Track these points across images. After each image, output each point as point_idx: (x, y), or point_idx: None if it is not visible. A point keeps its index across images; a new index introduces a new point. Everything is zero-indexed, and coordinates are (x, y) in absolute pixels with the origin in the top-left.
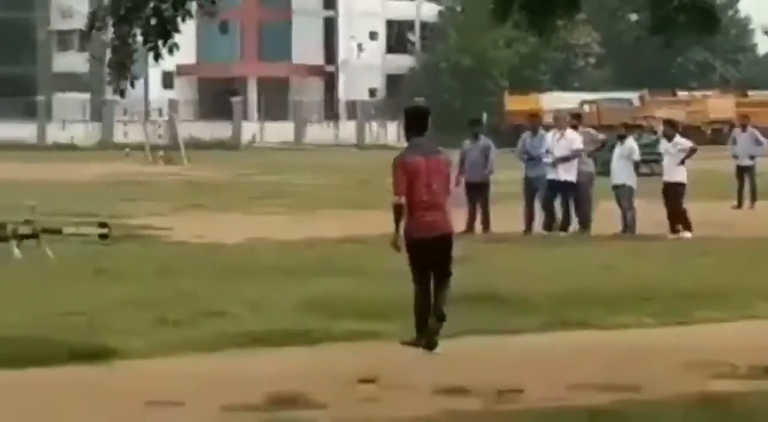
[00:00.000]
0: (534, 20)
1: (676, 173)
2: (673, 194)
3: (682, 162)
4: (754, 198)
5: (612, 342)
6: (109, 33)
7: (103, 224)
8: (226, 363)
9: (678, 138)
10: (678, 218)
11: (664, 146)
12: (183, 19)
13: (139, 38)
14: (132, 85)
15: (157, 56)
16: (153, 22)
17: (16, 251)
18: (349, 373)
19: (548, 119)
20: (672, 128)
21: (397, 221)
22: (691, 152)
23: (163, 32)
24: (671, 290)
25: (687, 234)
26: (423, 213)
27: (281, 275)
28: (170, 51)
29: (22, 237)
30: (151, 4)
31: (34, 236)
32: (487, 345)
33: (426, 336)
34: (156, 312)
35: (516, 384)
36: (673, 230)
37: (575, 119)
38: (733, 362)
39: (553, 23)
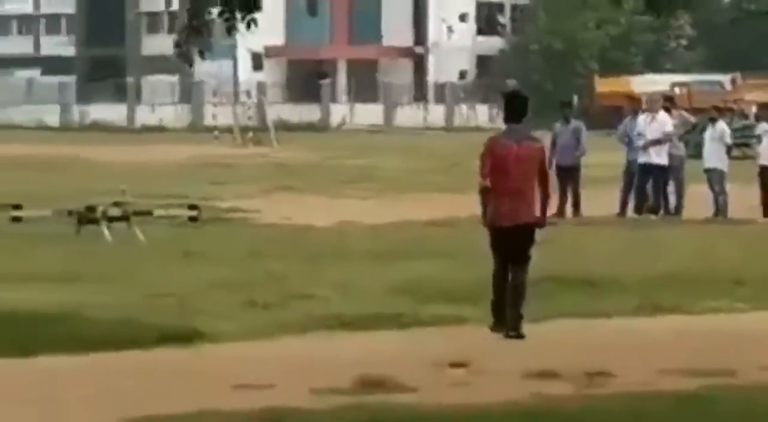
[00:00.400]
0: (652, 2)
1: None
2: None
3: None
4: None
5: (703, 327)
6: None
7: (193, 207)
8: (315, 346)
9: None
10: None
11: (762, 128)
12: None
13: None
14: (202, 56)
15: (230, 30)
16: None
17: (107, 233)
18: (439, 357)
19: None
20: None
21: (484, 204)
22: None
23: (245, 4)
24: (763, 275)
25: None
26: (505, 200)
27: (370, 259)
28: (248, 26)
29: (112, 219)
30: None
31: (124, 218)
32: (577, 328)
33: (511, 327)
34: (245, 295)
35: (606, 368)
36: (767, 215)
37: (668, 102)
38: None
39: (671, 4)
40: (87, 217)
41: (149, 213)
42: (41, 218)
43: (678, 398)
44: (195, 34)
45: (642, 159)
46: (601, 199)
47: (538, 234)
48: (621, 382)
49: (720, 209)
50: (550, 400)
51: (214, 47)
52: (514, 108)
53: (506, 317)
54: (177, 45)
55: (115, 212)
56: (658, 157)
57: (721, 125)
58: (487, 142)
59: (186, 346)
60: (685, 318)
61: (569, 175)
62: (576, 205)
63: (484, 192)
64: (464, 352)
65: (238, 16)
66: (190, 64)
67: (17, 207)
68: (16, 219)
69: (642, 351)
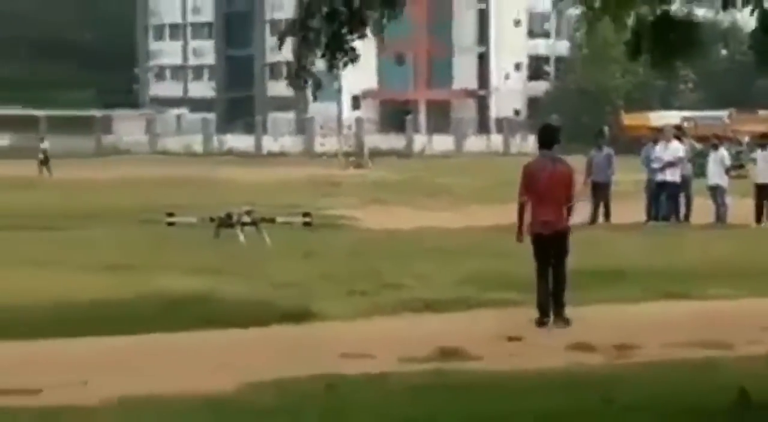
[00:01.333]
0: (657, 61)
1: None
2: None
3: None
4: None
5: (708, 310)
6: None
7: (306, 214)
8: (402, 325)
9: None
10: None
11: (760, 154)
12: (356, 38)
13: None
14: (314, 97)
15: (331, 67)
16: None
17: (241, 236)
18: (499, 333)
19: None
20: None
21: (519, 217)
22: None
23: (339, 47)
24: (756, 268)
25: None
26: (542, 212)
27: (444, 256)
28: (345, 65)
29: (245, 225)
30: (333, 27)
31: (254, 223)
32: (608, 311)
33: (557, 316)
34: (348, 284)
35: (631, 342)
36: (759, 221)
37: (679, 132)
38: None
39: (672, 62)
40: (225, 223)
41: (273, 220)
42: (189, 223)
43: (687, 365)
44: (302, 71)
45: (659, 177)
46: (626, 209)
47: (572, 237)
48: (643, 353)
49: (720, 217)
50: (586, 367)
51: (323, 91)
52: (547, 136)
53: (549, 313)
54: (288, 76)
55: (246, 219)
56: (672, 176)
57: (722, 151)
58: (525, 166)
59: (302, 324)
60: (694, 302)
61: (602, 190)
62: (607, 214)
63: (520, 207)
64: (519, 329)
65: (338, 57)
66: (301, 89)
67: (171, 214)
68: (170, 224)
69: (660, 329)
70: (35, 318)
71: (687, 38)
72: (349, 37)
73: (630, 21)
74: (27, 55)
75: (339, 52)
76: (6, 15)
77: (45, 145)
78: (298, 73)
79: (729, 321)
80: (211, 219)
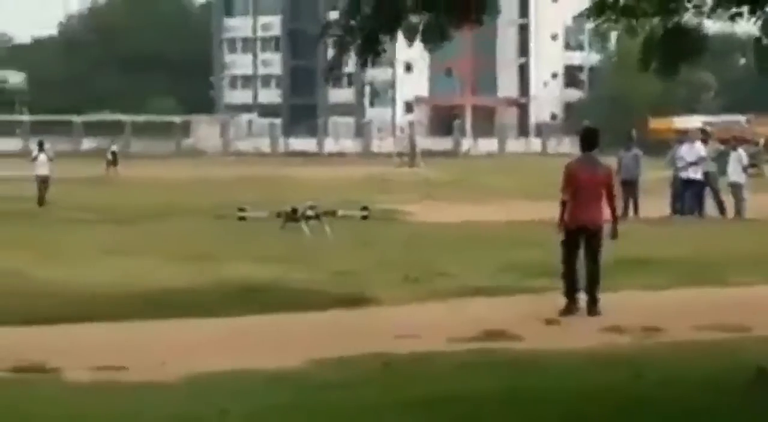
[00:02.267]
0: (665, 69)
1: None
2: None
3: None
4: None
5: (730, 296)
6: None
7: (364, 208)
8: (451, 308)
9: None
10: None
11: None
12: (390, 39)
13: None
14: (370, 103)
15: (364, 63)
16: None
17: (306, 229)
18: (539, 316)
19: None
20: None
21: (561, 213)
22: None
23: (372, 48)
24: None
25: None
26: (582, 208)
27: (488, 246)
28: (372, 63)
29: (308, 218)
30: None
31: (317, 217)
32: (637, 296)
33: (591, 308)
34: (402, 272)
35: (658, 325)
36: None
37: (704, 135)
38: None
39: (677, 68)
40: (290, 216)
41: (334, 213)
42: (259, 217)
43: (709, 346)
44: (337, 69)
45: (683, 175)
46: (653, 204)
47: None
48: (668, 335)
49: (740, 211)
50: (617, 347)
51: (379, 97)
52: (588, 140)
53: (576, 301)
54: (328, 69)
55: (310, 213)
56: (695, 174)
57: (740, 151)
58: (566, 167)
59: (359, 308)
60: (716, 289)
61: (631, 187)
62: (636, 209)
63: (563, 204)
64: (556, 313)
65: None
66: (337, 81)
67: (242, 210)
68: (242, 218)
69: (685, 313)
70: (122, 303)
71: (695, 47)
72: (381, 37)
73: (642, 34)
74: (118, 68)
75: (370, 53)
76: (100, 32)
77: (114, 147)
78: (332, 70)
79: (748, 306)
80: (278, 214)
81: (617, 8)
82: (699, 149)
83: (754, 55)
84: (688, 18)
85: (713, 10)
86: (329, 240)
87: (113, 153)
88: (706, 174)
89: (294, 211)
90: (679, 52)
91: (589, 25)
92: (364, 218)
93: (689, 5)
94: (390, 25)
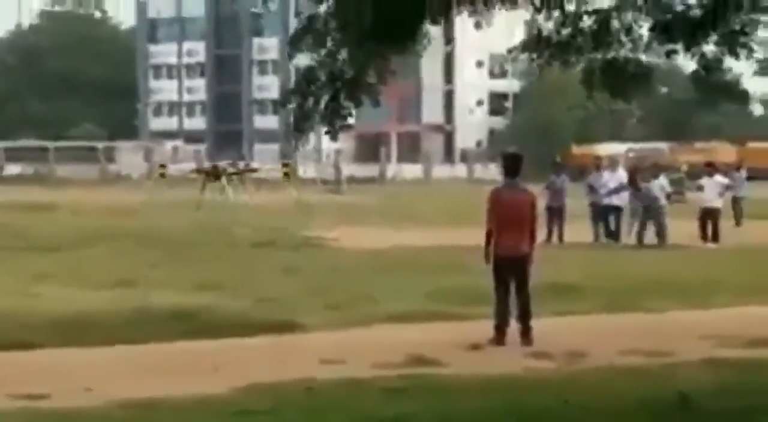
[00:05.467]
0: (612, 92)
1: (716, 201)
2: (713, 216)
3: (721, 194)
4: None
5: (652, 321)
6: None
7: (285, 165)
8: (375, 334)
9: (717, 176)
10: (716, 233)
11: (705, 181)
12: (356, 107)
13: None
14: (296, 147)
15: (330, 132)
16: (329, 107)
17: (228, 188)
18: (463, 342)
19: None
20: (712, 168)
21: (487, 242)
22: (728, 187)
23: (337, 116)
24: (693, 284)
25: (715, 244)
26: (508, 237)
27: (414, 272)
28: (341, 129)
29: (230, 175)
30: (329, 96)
31: (238, 174)
32: (562, 321)
33: (524, 339)
34: (327, 298)
35: (582, 350)
36: (708, 240)
37: (709, 167)
38: (736, 335)
39: (627, 93)
40: (213, 173)
41: (255, 170)
42: (179, 175)
43: (632, 370)
44: (302, 133)
45: (606, 201)
46: (576, 230)
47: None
48: (592, 360)
49: (661, 236)
50: (543, 372)
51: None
52: (511, 166)
53: (506, 334)
54: (293, 129)
55: (231, 169)
56: (617, 200)
57: (662, 178)
58: (491, 193)
59: (285, 334)
60: (638, 314)
61: (558, 213)
62: (561, 235)
63: (488, 233)
64: (480, 338)
65: (336, 123)
66: (298, 149)
67: (163, 166)
68: (162, 175)
69: (608, 338)
70: (46, 329)
71: (637, 77)
72: (346, 103)
73: (579, 66)
74: (42, 92)
75: (336, 117)
76: (24, 55)
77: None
78: (296, 136)
79: (670, 331)
80: (198, 170)
81: (551, 44)
82: (621, 175)
83: (693, 86)
84: (625, 53)
85: (648, 46)
86: (248, 204)
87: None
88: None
89: (215, 167)
90: (620, 82)
91: (522, 56)
92: (286, 175)
93: (625, 40)
94: (352, 91)
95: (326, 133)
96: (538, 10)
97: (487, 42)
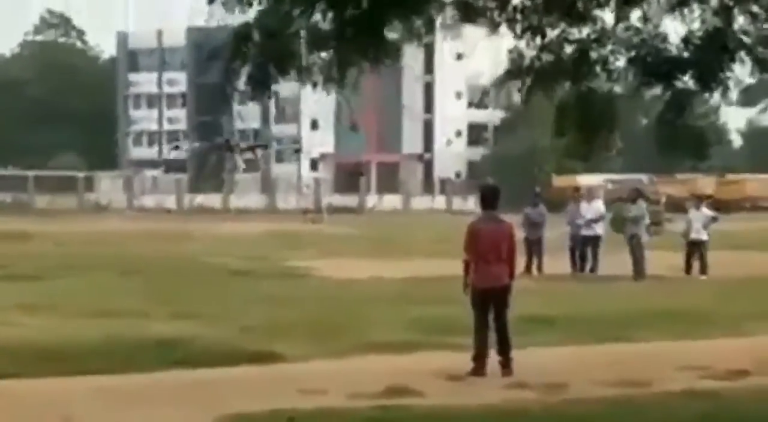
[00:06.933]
0: (583, 138)
1: (702, 233)
2: (700, 248)
3: (706, 226)
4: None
5: (630, 352)
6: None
7: (296, 142)
8: (355, 364)
9: (704, 208)
10: (704, 265)
11: (692, 213)
12: (282, 75)
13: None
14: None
15: (252, 98)
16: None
17: (239, 160)
18: (442, 372)
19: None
20: (699, 200)
21: (465, 273)
22: (714, 219)
23: (262, 81)
24: (673, 314)
25: (704, 276)
26: (487, 268)
27: (394, 302)
28: (269, 97)
29: (243, 150)
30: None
31: (251, 149)
32: (541, 353)
33: (505, 370)
34: (307, 328)
35: (561, 381)
36: (691, 272)
37: (636, 193)
38: (715, 366)
39: (594, 137)
40: (227, 148)
41: (266, 147)
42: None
43: (611, 401)
44: (230, 92)
45: (583, 232)
46: (556, 261)
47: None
48: (572, 391)
49: (638, 268)
50: (522, 403)
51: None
52: (488, 198)
53: (485, 365)
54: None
55: (243, 145)
56: (595, 231)
57: (641, 202)
58: (468, 226)
59: (265, 364)
60: (616, 345)
61: (536, 244)
62: (540, 266)
63: (466, 264)
64: (460, 369)
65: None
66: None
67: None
68: (176, 147)
69: (587, 369)
70: (28, 359)
71: (607, 112)
72: (272, 73)
73: (556, 96)
74: (21, 121)
75: (260, 86)
76: (4, 84)
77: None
78: (224, 93)
79: (648, 362)
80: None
81: (534, 71)
82: (598, 206)
83: (656, 129)
84: (599, 85)
85: (623, 78)
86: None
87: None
88: (632, 236)
89: (227, 141)
90: (593, 118)
91: (500, 85)
92: (297, 151)
93: (600, 72)
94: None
95: (250, 98)
96: (519, 37)
97: (467, 73)
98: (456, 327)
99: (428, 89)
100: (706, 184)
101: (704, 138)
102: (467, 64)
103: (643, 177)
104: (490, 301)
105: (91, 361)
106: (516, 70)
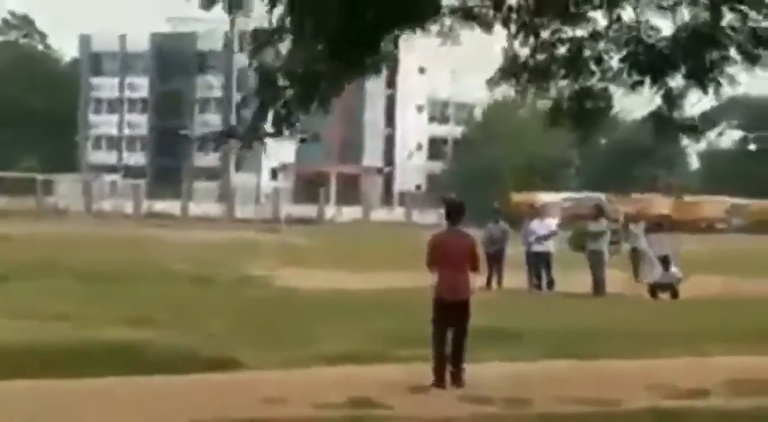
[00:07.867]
0: (576, 126)
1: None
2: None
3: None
4: None
5: (595, 368)
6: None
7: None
8: (316, 374)
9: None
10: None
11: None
12: (305, 113)
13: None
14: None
15: (275, 135)
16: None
17: None
18: (404, 384)
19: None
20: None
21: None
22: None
23: (287, 122)
24: (635, 332)
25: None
26: (448, 281)
27: (353, 313)
28: (291, 134)
29: None
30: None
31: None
32: (503, 367)
33: (456, 381)
34: (268, 337)
35: (523, 396)
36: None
37: (598, 211)
38: (677, 385)
39: (590, 129)
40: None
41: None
42: None
43: (576, 419)
44: (252, 140)
45: (536, 248)
46: (515, 277)
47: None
48: (535, 406)
49: (598, 285)
50: (485, 417)
51: (244, 163)
52: (453, 213)
53: (445, 377)
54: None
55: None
56: (546, 247)
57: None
58: (431, 238)
59: (227, 372)
60: (577, 362)
61: (497, 259)
62: (500, 281)
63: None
64: (421, 381)
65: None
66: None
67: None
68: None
69: (548, 384)
70: None
71: (603, 108)
72: (295, 109)
73: (552, 92)
74: None
75: (285, 123)
76: None
77: None
78: (249, 139)
79: (615, 380)
80: None
81: (528, 69)
82: (550, 223)
83: (652, 124)
84: (594, 83)
85: (617, 76)
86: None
87: None
88: (593, 252)
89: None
90: (589, 112)
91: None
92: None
93: (595, 69)
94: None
95: (271, 135)
96: (514, 36)
97: (428, 87)
98: (417, 338)
99: (390, 103)
100: (662, 204)
101: (696, 127)
102: (429, 78)
103: (601, 196)
104: (450, 313)
105: (43, 365)
106: (511, 68)
